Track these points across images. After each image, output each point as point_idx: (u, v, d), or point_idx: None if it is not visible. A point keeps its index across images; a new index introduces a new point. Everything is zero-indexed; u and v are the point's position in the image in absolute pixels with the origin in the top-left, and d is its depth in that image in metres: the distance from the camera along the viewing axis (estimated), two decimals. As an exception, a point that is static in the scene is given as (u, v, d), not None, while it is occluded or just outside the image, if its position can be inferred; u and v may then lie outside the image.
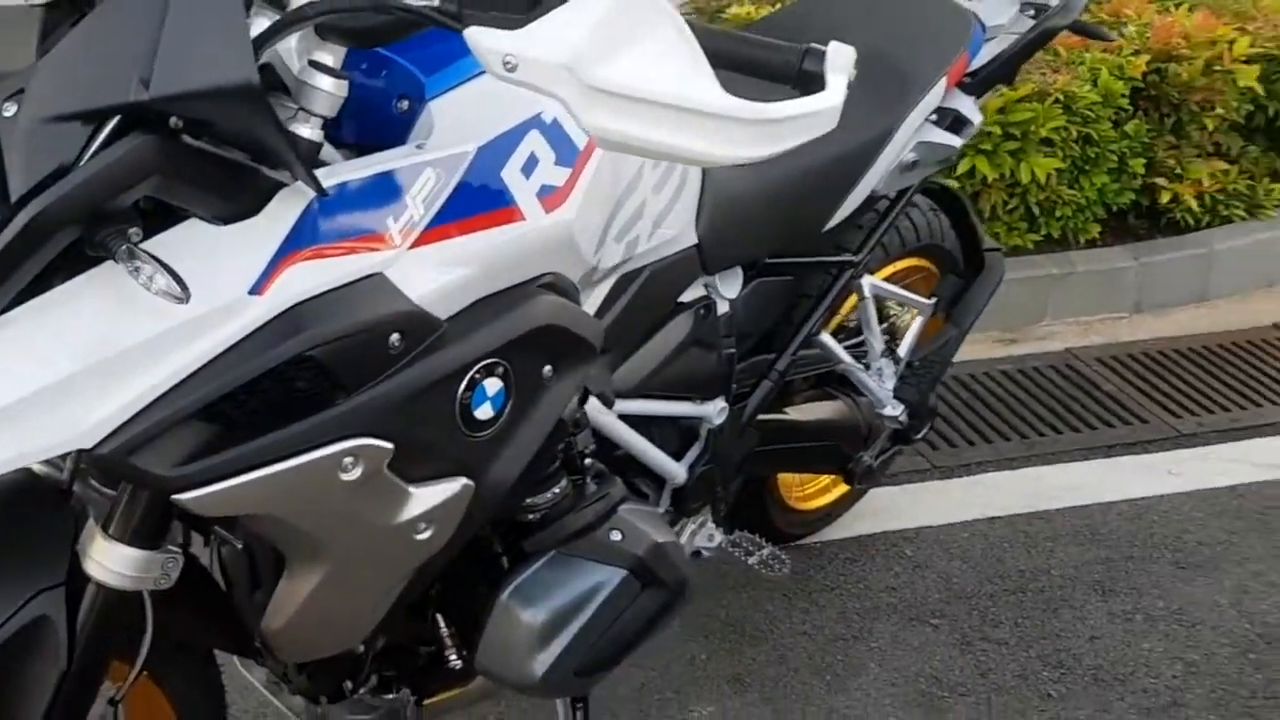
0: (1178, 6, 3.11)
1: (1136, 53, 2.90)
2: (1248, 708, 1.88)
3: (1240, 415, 2.62)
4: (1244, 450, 2.49)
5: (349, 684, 1.39)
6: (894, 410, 1.92)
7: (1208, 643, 2.00)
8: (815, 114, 0.98)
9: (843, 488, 2.27)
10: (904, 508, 2.37)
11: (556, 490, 1.37)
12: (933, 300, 1.97)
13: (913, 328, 1.94)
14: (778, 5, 3.07)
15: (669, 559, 1.42)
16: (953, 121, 1.80)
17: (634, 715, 1.90)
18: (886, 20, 1.81)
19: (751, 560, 1.85)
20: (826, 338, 1.85)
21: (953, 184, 2.84)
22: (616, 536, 1.39)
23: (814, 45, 1.02)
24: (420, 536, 1.17)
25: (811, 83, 1.01)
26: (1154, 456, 2.49)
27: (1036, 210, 2.92)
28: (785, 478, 2.19)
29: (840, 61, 1.01)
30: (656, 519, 1.47)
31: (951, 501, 2.39)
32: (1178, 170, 3.01)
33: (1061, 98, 2.78)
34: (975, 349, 2.89)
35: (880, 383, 1.91)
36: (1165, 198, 3.01)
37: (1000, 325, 2.95)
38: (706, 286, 1.63)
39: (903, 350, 1.93)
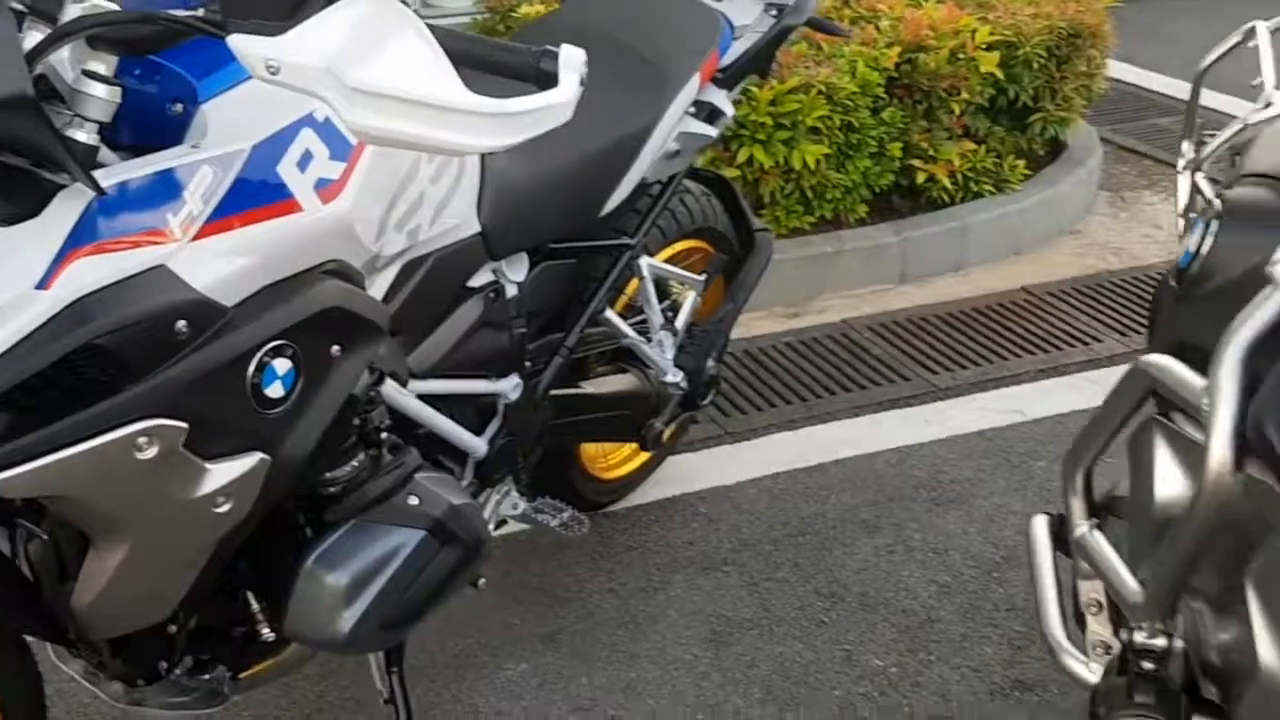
0: (927, 0, 3.41)
1: (890, 45, 3.17)
2: (991, 619, 2.14)
3: (989, 369, 2.93)
4: (991, 399, 2.80)
5: (164, 665, 1.47)
6: (675, 377, 2.10)
7: (958, 566, 2.27)
8: (550, 108, 1.13)
9: (643, 457, 2.46)
10: (698, 471, 2.57)
11: (355, 464, 1.48)
12: (704, 276, 2.16)
13: (687, 302, 2.13)
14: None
15: (464, 519, 1.56)
16: (709, 113, 1.99)
17: (451, 679, 2.03)
18: (644, 23, 1.99)
19: (553, 523, 2.01)
20: (611, 315, 2.02)
21: (735, 172, 3.07)
22: (414, 501, 1.52)
23: (549, 48, 1.17)
24: (219, 509, 1.28)
25: (548, 81, 1.16)
26: (915, 409, 2.76)
27: (810, 194, 3.17)
28: (588, 450, 2.36)
29: (572, 62, 1.16)
30: (452, 484, 1.60)
31: (740, 462, 2.60)
32: (931, 152, 3.31)
33: (824, 89, 3.03)
34: (761, 324, 3.13)
35: (661, 353, 2.09)
36: (922, 178, 3.31)
37: (783, 302, 3.19)
38: (494, 272, 1.78)
39: (679, 323, 2.12)
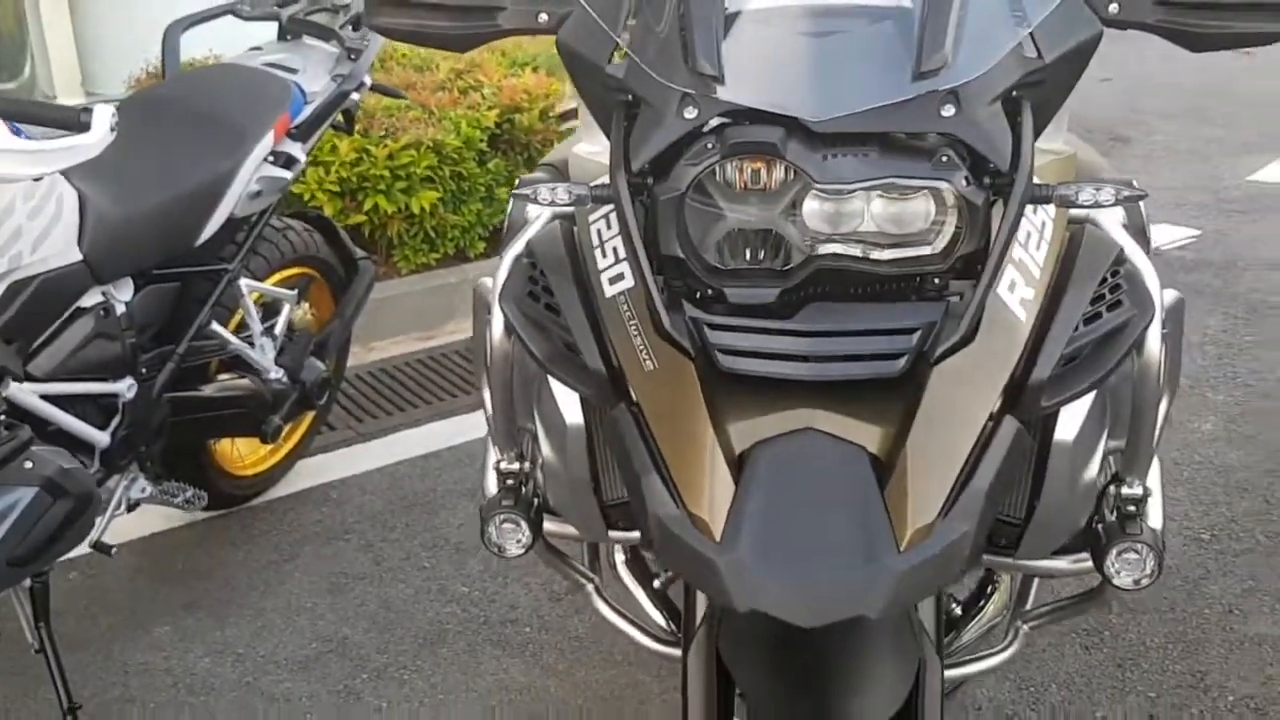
0: (524, 69, 4.04)
1: (491, 108, 3.77)
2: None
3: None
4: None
5: None
6: (276, 374, 2.56)
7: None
8: (83, 146, 1.60)
9: (276, 456, 2.90)
10: (330, 467, 3.02)
11: (-23, 440, 1.88)
12: (295, 292, 2.64)
13: (283, 313, 2.60)
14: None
15: (72, 478, 1.97)
16: (286, 161, 2.49)
17: (102, 644, 2.40)
18: (226, 93, 2.48)
19: (177, 501, 2.43)
20: (217, 327, 2.46)
21: (362, 218, 3.58)
22: (28, 465, 1.92)
23: (88, 105, 1.64)
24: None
25: (85, 129, 1.63)
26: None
27: (433, 234, 3.71)
28: (223, 450, 2.78)
29: (103, 115, 1.64)
30: (63, 453, 2.01)
31: (369, 456, 3.08)
32: (537, 194, 3.91)
33: (433, 145, 3.59)
34: (397, 347, 3.63)
35: (264, 355, 2.55)
36: (530, 215, 3.90)
37: (418, 328, 3.71)
38: (103, 293, 2.20)
39: (277, 330, 2.59)
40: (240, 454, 2.85)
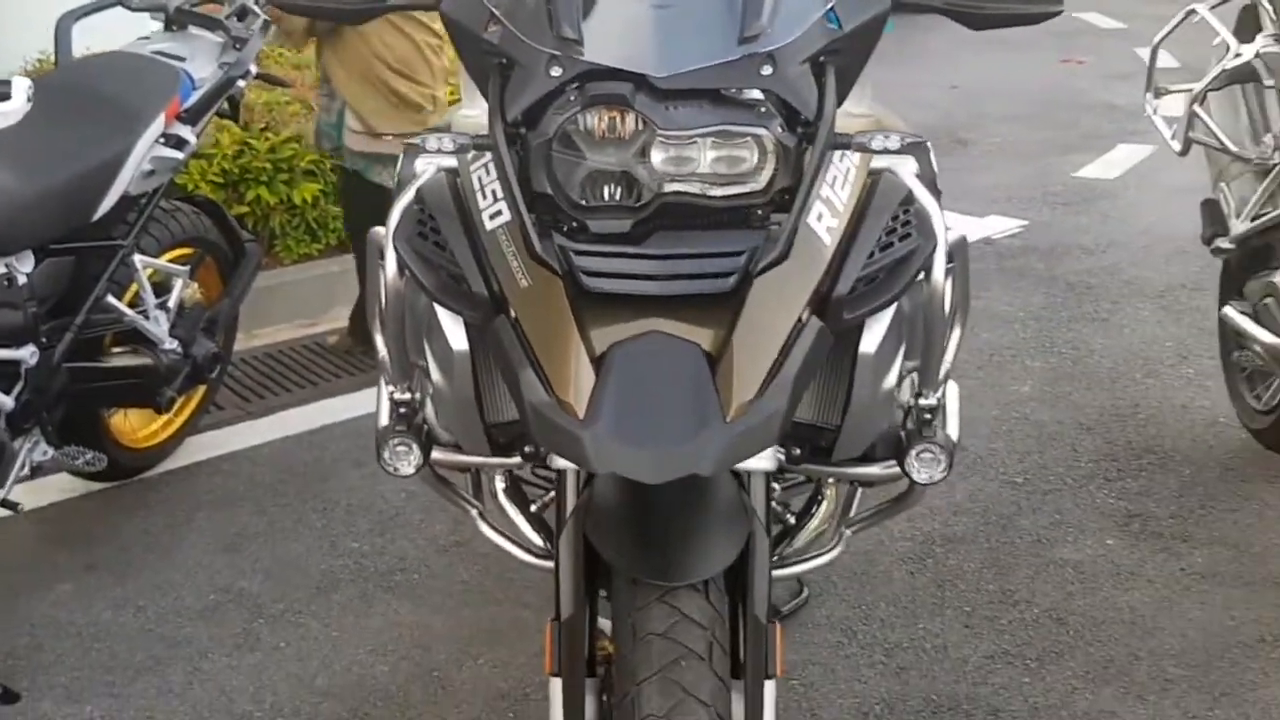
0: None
1: (369, 103, 3.95)
2: (443, 505, 2.88)
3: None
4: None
5: None
6: (170, 344, 2.71)
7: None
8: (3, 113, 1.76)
9: (169, 430, 3.03)
10: (222, 442, 3.17)
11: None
12: (187, 268, 2.79)
13: (175, 288, 2.75)
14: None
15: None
16: (176, 142, 2.65)
17: (6, 603, 2.51)
18: (120, 79, 2.63)
19: (76, 463, 2.56)
20: (113, 300, 2.60)
21: (245, 209, 3.72)
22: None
23: (4, 79, 1.80)
24: None
25: (6, 99, 1.78)
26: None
27: (315, 225, 3.86)
28: (119, 424, 2.91)
29: (20, 87, 1.79)
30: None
31: (259, 431, 3.23)
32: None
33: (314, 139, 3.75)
34: (283, 334, 3.79)
35: (158, 328, 2.69)
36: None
37: (302, 315, 3.86)
38: (6, 264, 2.33)
39: (170, 303, 2.73)
40: (133, 426, 2.98)
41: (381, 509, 2.88)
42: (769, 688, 1.55)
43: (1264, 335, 2.28)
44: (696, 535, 1.46)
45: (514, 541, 1.91)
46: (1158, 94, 2.96)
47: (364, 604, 2.55)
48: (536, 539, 1.91)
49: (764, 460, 1.57)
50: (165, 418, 3.00)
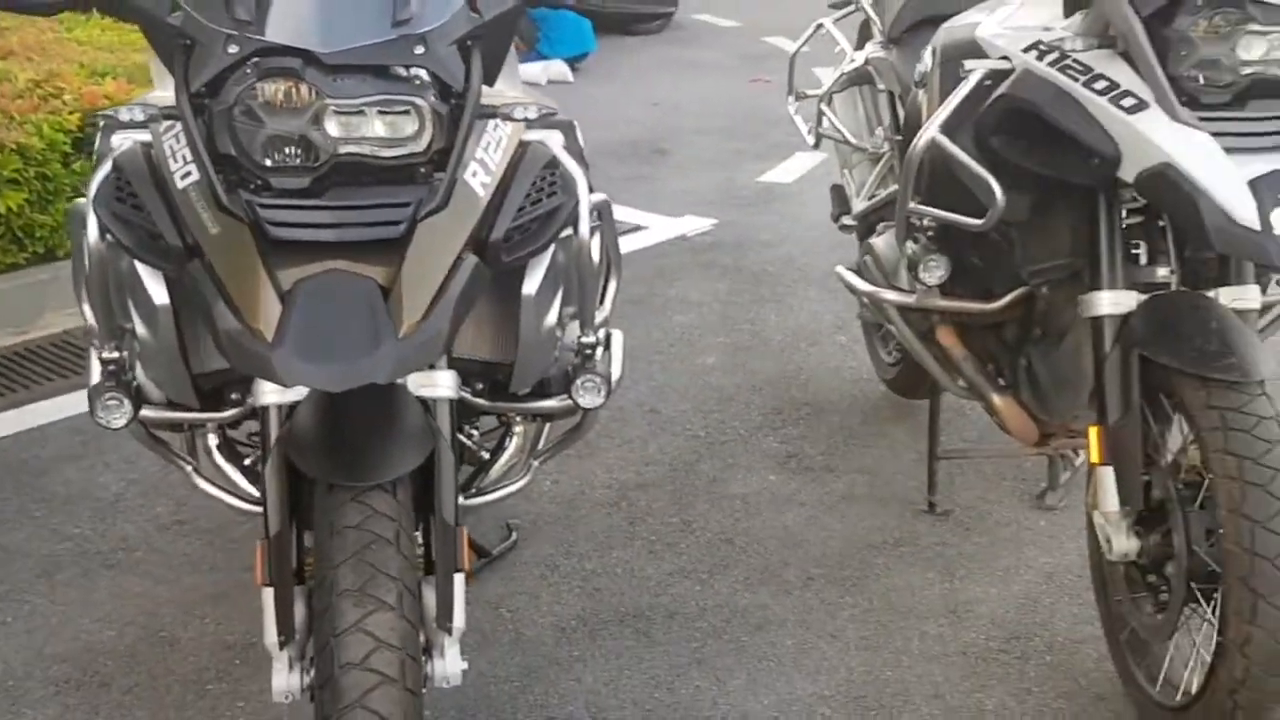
0: (104, 78, 4.28)
1: (73, 112, 3.98)
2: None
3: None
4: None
5: None
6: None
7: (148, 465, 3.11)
8: None
9: None
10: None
11: None
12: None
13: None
14: None
15: None
16: None
17: None
18: None
19: None
20: None
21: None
22: None
23: None
24: None
25: None
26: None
27: (20, 234, 3.86)
28: None
29: None
30: None
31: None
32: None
33: (16, 148, 3.76)
34: (-7, 342, 3.77)
35: None
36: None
37: (12, 324, 3.84)
38: None
39: None
40: None
41: (101, 496, 2.97)
42: (458, 581, 1.83)
43: (862, 285, 2.74)
44: (384, 444, 1.72)
45: (230, 492, 2.11)
46: (798, 97, 3.44)
47: (88, 581, 2.65)
48: (251, 489, 2.11)
49: (445, 390, 1.86)
50: None
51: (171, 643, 2.46)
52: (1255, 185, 1.89)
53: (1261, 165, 1.91)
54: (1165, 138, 1.93)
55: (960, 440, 3.18)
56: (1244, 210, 1.88)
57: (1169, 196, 1.94)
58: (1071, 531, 2.80)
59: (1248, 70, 1.96)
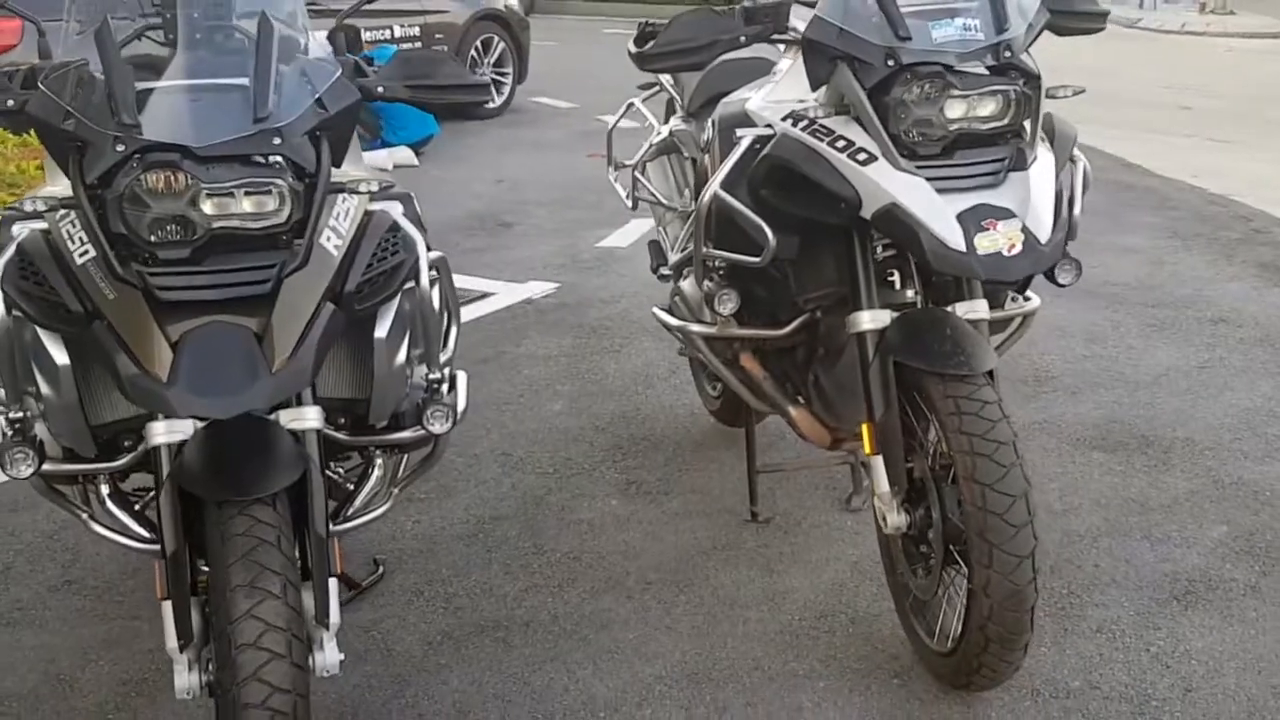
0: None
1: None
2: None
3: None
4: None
5: None
6: None
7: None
8: None
9: None
10: None
11: None
12: None
13: None
14: None
15: None
16: None
17: None
18: None
19: None
20: None
21: None
22: None
23: None
24: None
25: None
26: None
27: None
28: None
29: None
30: None
31: None
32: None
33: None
34: None
35: None
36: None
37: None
38: None
39: None
40: None
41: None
42: (332, 583, 2.16)
43: (674, 321, 3.18)
44: (263, 465, 2.06)
45: (122, 534, 2.39)
46: (617, 167, 3.89)
47: (-16, 640, 2.86)
48: (143, 531, 2.39)
49: (312, 422, 2.20)
50: None
51: (71, 684, 2.70)
52: (961, 217, 2.38)
53: (966, 201, 2.40)
54: (891, 183, 2.41)
55: (779, 457, 3.62)
56: (954, 237, 2.36)
57: (897, 230, 2.42)
58: (873, 528, 3.24)
59: (953, 126, 2.45)
